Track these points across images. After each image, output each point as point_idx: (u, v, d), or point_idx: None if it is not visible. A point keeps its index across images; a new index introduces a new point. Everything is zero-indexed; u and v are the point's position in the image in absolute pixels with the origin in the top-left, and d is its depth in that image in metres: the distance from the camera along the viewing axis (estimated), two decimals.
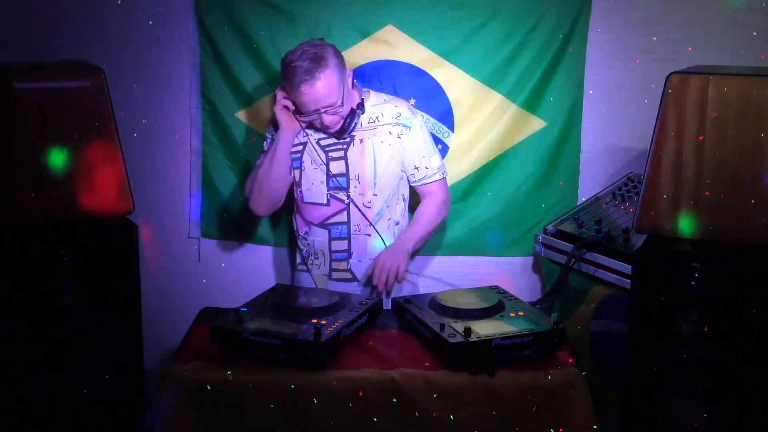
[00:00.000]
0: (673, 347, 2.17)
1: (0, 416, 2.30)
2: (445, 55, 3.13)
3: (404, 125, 2.80)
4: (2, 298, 2.26)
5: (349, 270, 2.85)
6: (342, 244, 2.84)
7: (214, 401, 2.17)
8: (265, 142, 2.91)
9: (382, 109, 2.81)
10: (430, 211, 2.86)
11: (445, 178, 2.91)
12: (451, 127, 3.18)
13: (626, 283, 2.59)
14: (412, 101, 3.13)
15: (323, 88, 2.63)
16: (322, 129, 2.76)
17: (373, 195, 2.79)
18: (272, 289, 2.57)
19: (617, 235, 2.77)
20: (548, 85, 3.15)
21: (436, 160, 2.86)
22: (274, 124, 2.81)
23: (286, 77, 2.65)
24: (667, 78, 2.15)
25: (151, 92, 3.21)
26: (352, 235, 2.82)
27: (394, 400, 2.17)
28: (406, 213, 2.93)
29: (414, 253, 2.91)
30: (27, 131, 2.26)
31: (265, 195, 2.82)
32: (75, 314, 2.32)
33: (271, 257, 3.33)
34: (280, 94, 2.74)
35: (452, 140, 3.18)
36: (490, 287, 2.63)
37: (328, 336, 2.20)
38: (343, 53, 3.14)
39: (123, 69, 3.02)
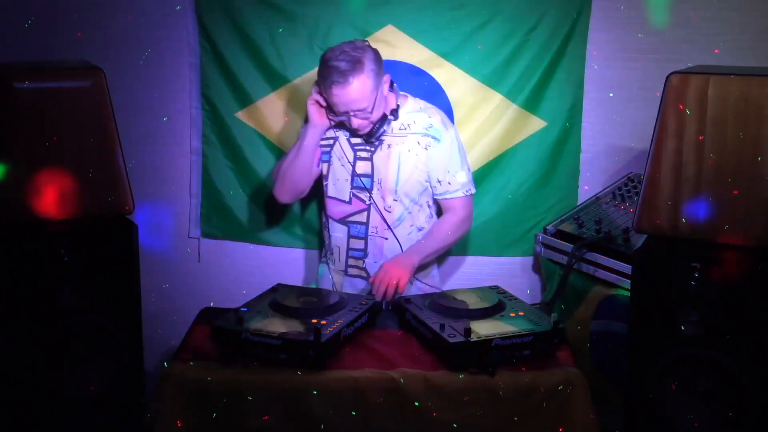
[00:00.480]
0: (673, 347, 2.17)
1: (0, 416, 2.30)
2: (445, 55, 3.13)
3: (434, 137, 2.77)
4: (2, 298, 2.26)
5: (364, 269, 2.86)
6: (359, 243, 2.85)
7: (214, 401, 2.17)
8: (301, 131, 2.90)
9: (415, 117, 2.79)
10: (444, 228, 2.82)
11: (469, 196, 2.85)
12: None
13: (626, 283, 2.59)
14: None
15: (355, 92, 2.62)
16: (351, 130, 2.77)
17: (393, 200, 2.79)
18: (272, 289, 2.57)
19: (617, 235, 2.77)
20: (548, 85, 3.15)
21: (462, 176, 2.81)
22: (307, 117, 2.81)
23: (322, 75, 2.65)
24: (667, 78, 2.14)
25: (151, 92, 3.21)
26: (369, 236, 2.83)
27: (394, 400, 2.17)
28: (434, 219, 2.91)
29: (423, 267, 2.88)
30: (27, 131, 2.26)
31: (288, 184, 2.84)
32: (75, 314, 2.32)
33: (271, 257, 3.33)
34: (315, 89, 2.74)
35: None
36: (490, 287, 2.63)
37: (328, 336, 2.20)
38: None
39: (123, 69, 3.02)
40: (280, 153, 3.22)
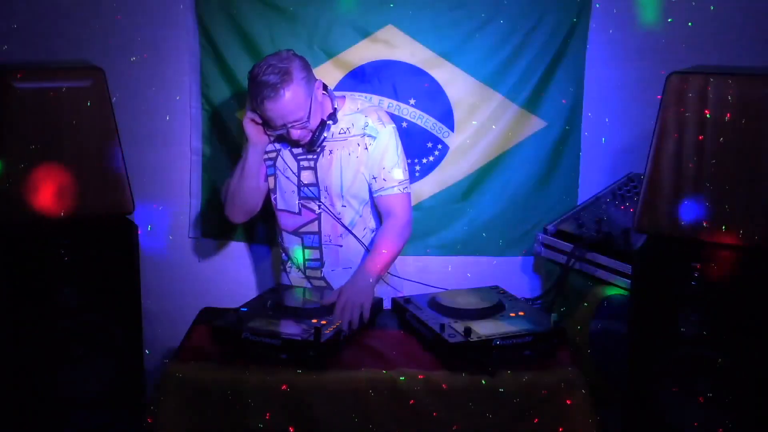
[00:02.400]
0: (673, 347, 2.17)
1: (0, 416, 2.30)
2: (445, 55, 3.13)
3: (370, 135, 2.70)
4: (2, 298, 2.26)
5: (323, 278, 2.81)
6: (315, 253, 2.79)
7: (214, 401, 2.17)
8: (243, 151, 2.76)
9: (353, 119, 2.72)
10: (389, 237, 2.66)
11: (406, 194, 2.73)
12: (451, 127, 3.18)
13: (626, 283, 2.59)
14: (412, 101, 3.14)
15: (288, 104, 2.54)
16: (292, 142, 2.70)
17: (342, 206, 2.74)
18: (272, 289, 2.57)
19: (617, 235, 2.77)
20: (548, 85, 3.15)
21: (398, 173, 2.71)
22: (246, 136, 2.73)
23: (252, 93, 2.57)
24: (667, 78, 2.14)
25: (151, 92, 3.21)
26: (323, 245, 2.77)
27: (394, 400, 2.17)
28: (374, 220, 2.84)
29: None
30: (27, 131, 2.26)
31: (238, 204, 2.77)
32: (75, 314, 2.32)
33: (271, 257, 3.33)
34: (248, 107, 2.66)
35: (452, 140, 3.18)
36: (490, 287, 2.63)
37: (328, 336, 2.20)
38: (343, 53, 3.15)
39: (123, 69, 3.02)
40: None
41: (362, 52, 3.13)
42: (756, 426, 2.12)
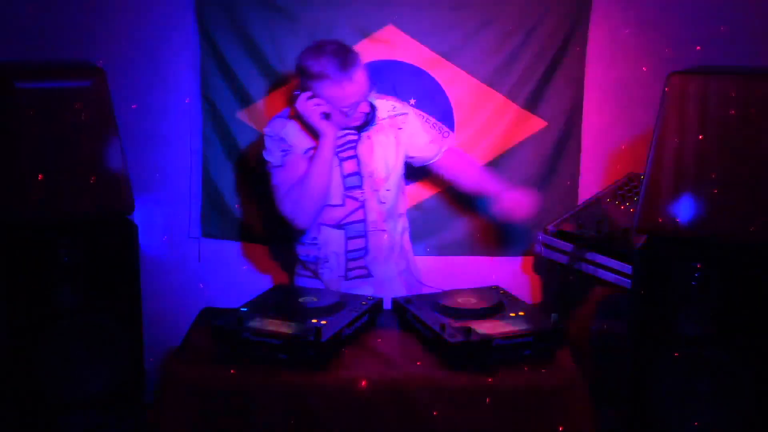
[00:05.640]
0: (673, 347, 2.17)
1: (0, 416, 2.30)
2: (445, 55, 3.13)
3: (401, 114, 2.81)
4: (2, 298, 2.26)
5: (365, 268, 2.83)
6: (359, 243, 2.80)
7: (214, 401, 2.17)
8: (282, 156, 2.70)
9: (378, 105, 2.78)
10: (482, 170, 2.95)
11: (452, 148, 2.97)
12: (452, 127, 3.18)
13: (626, 283, 2.59)
14: (412, 101, 3.14)
15: (364, 78, 2.63)
16: (343, 125, 2.69)
17: (386, 190, 2.78)
18: (272, 289, 2.57)
19: (617, 235, 2.77)
20: (548, 85, 3.15)
21: (435, 135, 2.98)
22: (291, 136, 2.71)
23: (325, 73, 2.57)
24: (667, 78, 2.15)
25: (151, 92, 3.21)
26: (369, 233, 2.79)
27: (394, 400, 2.17)
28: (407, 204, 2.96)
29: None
30: (27, 131, 2.26)
31: (318, 207, 2.70)
32: (75, 314, 2.32)
33: (271, 257, 3.33)
34: (311, 102, 2.62)
35: (452, 140, 3.18)
36: (490, 287, 2.63)
37: (328, 336, 2.20)
38: None
39: (123, 69, 3.02)
40: None
41: (362, 52, 3.11)
42: (757, 426, 2.12)
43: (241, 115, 3.22)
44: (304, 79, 2.64)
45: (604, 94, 3.15)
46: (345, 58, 2.58)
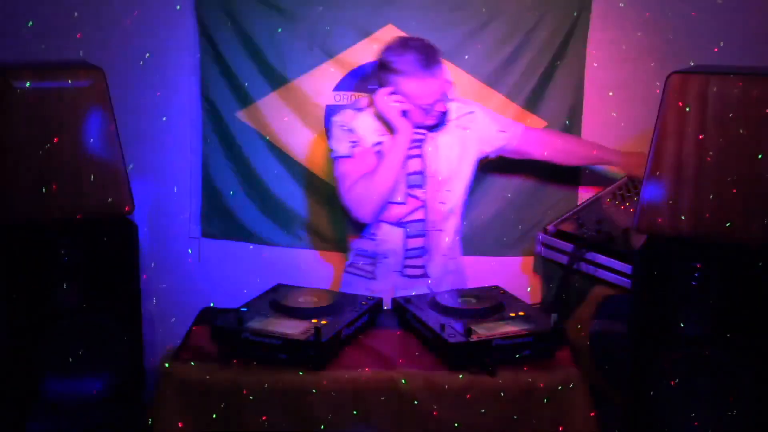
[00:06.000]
0: (673, 347, 2.17)
1: (0, 416, 2.30)
2: (445, 55, 3.11)
3: (466, 113, 2.82)
4: (2, 298, 2.26)
5: (422, 267, 2.83)
6: (418, 242, 2.81)
7: (214, 401, 2.17)
8: (351, 147, 2.71)
9: (448, 106, 2.80)
10: (567, 136, 3.03)
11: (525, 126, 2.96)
12: None
13: (626, 283, 2.59)
14: None
15: (445, 77, 2.64)
16: (420, 123, 2.71)
17: (447, 191, 2.79)
18: (272, 289, 2.57)
19: (617, 235, 2.77)
20: (548, 85, 3.15)
21: (507, 119, 2.94)
22: (361, 128, 2.72)
23: (408, 70, 2.59)
24: (667, 78, 2.14)
25: (151, 92, 3.21)
26: (428, 233, 2.80)
27: (394, 400, 2.17)
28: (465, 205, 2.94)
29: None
30: (27, 131, 2.26)
31: (383, 203, 2.71)
32: (75, 314, 2.32)
33: (271, 257, 3.33)
34: (391, 98, 2.64)
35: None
36: (490, 287, 2.63)
37: (328, 336, 2.20)
38: (343, 53, 3.16)
39: (123, 69, 3.02)
40: (280, 153, 3.22)
41: (362, 52, 3.13)
42: (756, 426, 2.12)
43: (241, 115, 3.22)
44: (384, 73, 2.66)
45: (604, 94, 3.15)
46: (429, 55, 2.60)
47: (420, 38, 2.68)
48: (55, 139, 2.28)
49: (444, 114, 2.74)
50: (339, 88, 3.15)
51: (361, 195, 2.68)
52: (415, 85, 2.61)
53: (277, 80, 3.17)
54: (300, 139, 3.22)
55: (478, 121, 2.84)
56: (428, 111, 2.67)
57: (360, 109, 2.77)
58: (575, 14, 3.09)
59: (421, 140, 2.75)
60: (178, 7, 3.15)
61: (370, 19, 3.12)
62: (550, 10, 3.09)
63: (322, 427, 2.16)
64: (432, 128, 2.75)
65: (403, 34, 3.10)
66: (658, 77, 2.19)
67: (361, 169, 2.69)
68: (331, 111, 3.17)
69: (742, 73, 2.11)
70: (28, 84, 2.25)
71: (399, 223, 2.79)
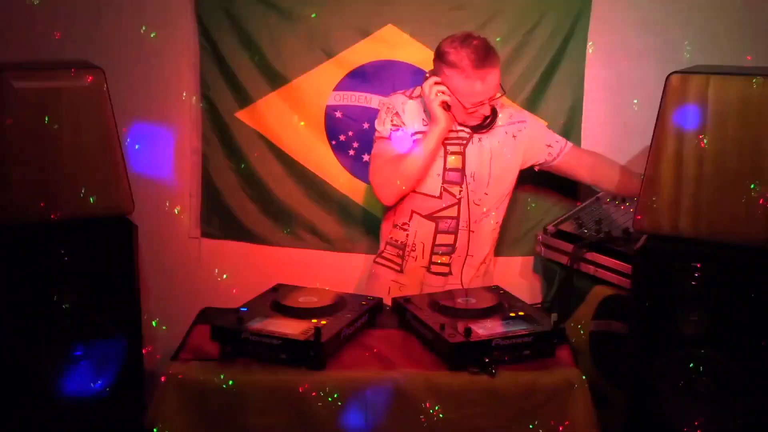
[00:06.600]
0: (673, 347, 2.17)
1: (1, 416, 2.30)
2: None
3: (518, 122, 2.83)
4: (2, 298, 2.25)
5: (448, 265, 2.84)
6: (448, 239, 2.82)
7: (214, 401, 2.17)
8: (392, 130, 2.75)
9: (499, 112, 2.81)
10: (615, 164, 2.94)
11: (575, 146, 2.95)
12: None
13: (626, 283, 2.59)
14: None
15: (495, 82, 2.65)
16: (460, 120, 2.72)
17: (484, 194, 2.80)
18: (272, 289, 2.57)
19: (617, 235, 2.77)
20: (548, 85, 3.15)
21: (558, 136, 2.93)
22: (407, 114, 2.75)
23: (460, 65, 2.60)
24: (667, 78, 2.14)
25: (151, 92, 3.21)
26: (459, 231, 2.81)
27: (394, 400, 2.17)
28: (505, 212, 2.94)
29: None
30: (27, 131, 2.26)
31: (409, 186, 2.74)
32: (75, 314, 2.32)
33: (271, 257, 3.32)
34: (437, 87, 2.65)
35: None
36: (490, 287, 2.63)
37: (328, 336, 2.20)
38: (343, 53, 3.15)
39: (123, 69, 3.02)
40: (279, 153, 3.22)
41: (362, 52, 3.13)
42: (756, 426, 2.12)
43: (241, 115, 3.22)
44: (439, 63, 2.68)
45: (604, 94, 3.15)
46: (484, 56, 2.60)
47: (484, 38, 2.67)
48: (55, 139, 2.28)
49: (488, 118, 2.74)
50: (339, 88, 3.15)
51: (386, 176, 2.73)
52: (462, 82, 2.62)
53: (277, 80, 3.17)
54: (300, 139, 3.22)
55: (528, 131, 2.85)
56: (470, 110, 2.68)
57: (411, 96, 2.80)
58: (575, 14, 3.09)
59: (466, 139, 2.76)
60: (179, 7, 3.15)
61: (370, 19, 3.11)
62: (550, 10, 3.09)
63: (322, 427, 2.16)
64: (475, 129, 2.76)
65: (403, 33, 3.11)
66: (658, 77, 2.19)
67: (394, 152, 2.73)
68: (331, 111, 3.17)
69: (742, 73, 2.11)
70: (28, 84, 2.24)
71: (431, 217, 2.81)
